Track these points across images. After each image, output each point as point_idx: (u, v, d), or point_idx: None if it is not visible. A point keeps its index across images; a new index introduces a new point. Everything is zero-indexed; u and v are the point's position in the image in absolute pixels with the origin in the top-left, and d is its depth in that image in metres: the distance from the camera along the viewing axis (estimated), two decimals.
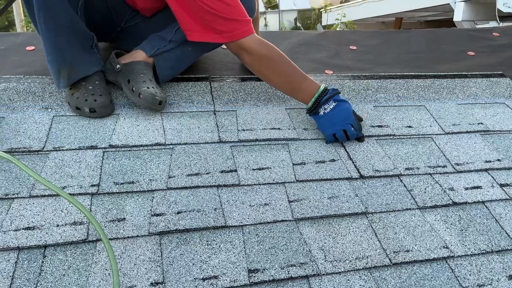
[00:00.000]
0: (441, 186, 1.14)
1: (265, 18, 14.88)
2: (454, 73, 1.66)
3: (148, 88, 1.25)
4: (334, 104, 1.25)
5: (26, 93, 1.31)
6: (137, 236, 0.93)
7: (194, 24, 1.25)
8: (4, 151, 1.06)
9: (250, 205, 1.03)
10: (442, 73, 1.64)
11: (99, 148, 1.16)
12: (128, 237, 0.93)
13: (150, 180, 1.07)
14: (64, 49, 1.24)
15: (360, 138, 1.29)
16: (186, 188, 1.06)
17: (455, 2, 4.18)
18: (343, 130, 1.24)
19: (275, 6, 16.72)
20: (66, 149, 1.14)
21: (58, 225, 0.93)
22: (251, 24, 1.27)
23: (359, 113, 1.41)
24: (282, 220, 1.00)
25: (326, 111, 1.25)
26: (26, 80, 1.35)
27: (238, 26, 1.24)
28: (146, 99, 1.24)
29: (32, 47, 1.58)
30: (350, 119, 1.25)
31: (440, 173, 1.19)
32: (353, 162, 1.20)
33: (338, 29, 7.23)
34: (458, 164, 1.22)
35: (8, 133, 1.17)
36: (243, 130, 1.28)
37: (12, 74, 1.39)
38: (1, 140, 1.15)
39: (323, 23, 8.74)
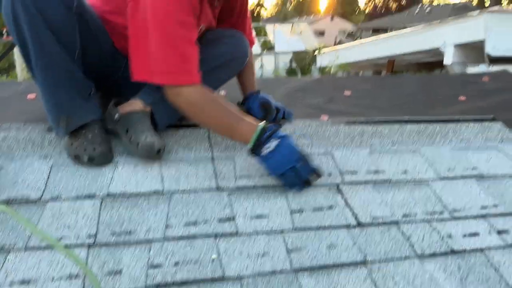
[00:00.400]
0: (439, 233, 1.14)
1: (261, 60, 15.25)
2: (447, 117, 1.69)
3: (146, 138, 1.27)
4: (276, 141, 1.19)
5: (25, 141, 1.32)
6: None
7: (141, 65, 1.26)
8: (1, 201, 1.06)
9: (248, 255, 1.02)
10: (435, 118, 1.67)
11: (97, 197, 1.16)
12: None
13: (148, 230, 1.07)
14: (62, 98, 1.27)
15: (317, 173, 1.22)
16: (183, 238, 1.06)
17: (445, 46, 4.33)
18: (292, 168, 1.19)
19: (270, 48, 17.18)
20: (64, 199, 1.14)
21: (53, 279, 0.92)
22: (193, 74, 1.25)
23: (355, 158, 1.43)
24: (281, 271, 0.99)
25: (269, 150, 1.19)
26: (26, 129, 1.36)
27: (179, 72, 1.23)
28: (145, 149, 1.25)
29: (33, 95, 1.62)
30: (296, 155, 1.20)
31: (438, 220, 1.19)
32: (350, 209, 1.20)
33: (332, 70, 7.42)
34: (455, 210, 1.22)
35: (6, 183, 1.18)
36: (241, 177, 1.29)
37: (12, 122, 1.41)
38: None
39: (318, 65, 8.97)
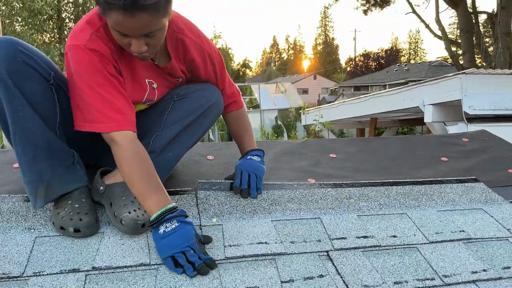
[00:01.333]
0: None
1: None
2: (431, 179, 1.73)
3: (129, 213, 1.25)
4: (176, 224, 1.17)
5: (9, 213, 1.30)
6: None
7: (76, 116, 1.27)
8: None
9: None
10: (419, 179, 1.70)
11: (82, 271, 1.12)
12: None
13: None
14: (42, 169, 1.27)
15: (208, 264, 1.15)
16: None
17: (424, 105, 4.50)
18: (182, 252, 1.15)
19: (256, 106, 17.61)
20: (47, 274, 1.10)
21: None
22: (127, 121, 1.25)
23: (343, 223, 1.43)
24: None
25: (166, 230, 1.16)
26: (10, 199, 1.35)
27: (114, 119, 1.23)
28: (128, 225, 1.24)
29: None
30: (190, 242, 1.16)
31: (429, 286, 1.17)
32: (341, 277, 1.18)
33: (317, 128, 7.58)
34: (445, 276, 1.22)
35: None
36: (230, 246, 1.27)
37: None
38: None
39: (303, 123, 9.18)
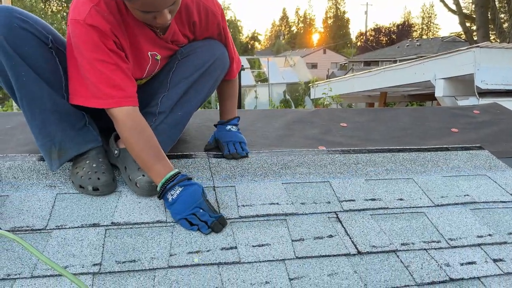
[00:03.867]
0: (437, 262, 1.16)
1: (255, 91, 15.50)
2: (437, 146, 1.75)
3: (143, 175, 1.29)
4: (180, 189, 1.21)
5: (30, 171, 1.35)
6: None
7: (75, 91, 1.30)
8: (7, 230, 1.08)
9: (251, 284, 1.04)
10: (425, 147, 1.73)
11: (101, 226, 1.18)
12: None
13: (152, 258, 1.08)
14: (52, 132, 1.30)
15: (221, 221, 1.20)
16: (187, 266, 1.07)
17: (435, 80, 4.46)
18: (193, 214, 1.19)
19: (264, 80, 17.50)
20: (69, 228, 1.16)
21: None
22: (126, 97, 1.27)
23: (352, 186, 1.47)
24: None
25: (173, 197, 1.21)
26: (31, 158, 1.39)
27: (111, 95, 1.25)
28: (143, 188, 1.29)
29: None
30: (197, 202, 1.21)
31: (435, 248, 1.21)
32: (350, 238, 1.23)
33: (326, 102, 7.56)
34: (451, 239, 1.25)
35: (12, 212, 1.19)
36: (243, 206, 1.32)
37: (17, 153, 1.44)
38: (4, 219, 1.16)
39: (311, 97, 9.14)
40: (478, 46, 4.20)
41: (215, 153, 1.56)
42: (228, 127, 1.62)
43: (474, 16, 13.09)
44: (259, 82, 17.38)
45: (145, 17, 1.21)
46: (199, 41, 1.51)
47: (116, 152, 1.38)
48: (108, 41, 1.22)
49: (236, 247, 1.15)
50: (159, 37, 1.39)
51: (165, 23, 1.23)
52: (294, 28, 78.52)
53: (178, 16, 1.38)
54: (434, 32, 59.66)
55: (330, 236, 1.23)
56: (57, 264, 0.90)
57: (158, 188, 1.24)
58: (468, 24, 14.33)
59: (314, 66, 39.82)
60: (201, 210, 1.20)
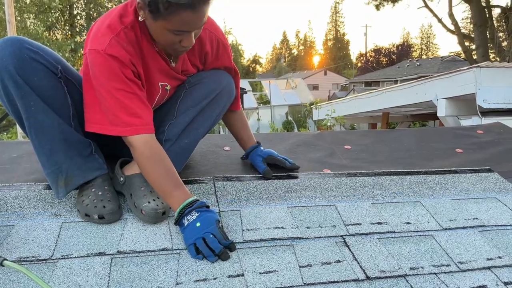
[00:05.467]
0: (447, 286, 1.14)
1: (257, 113, 15.59)
2: (445, 169, 1.74)
3: (149, 202, 1.30)
4: (196, 214, 1.22)
5: (36, 200, 1.35)
6: None
7: (92, 118, 1.31)
8: (13, 261, 1.07)
9: None
10: (433, 169, 1.72)
11: (107, 254, 1.17)
12: None
13: (158, 287, 1.07)
14: (60, 160, 1.31)
15: (229, 247, 1.21)
16: None
17: (437, 100, 4.48)
18: (203, 238, 1.18)
19: (267, 102, 17.63)
20: (74, 257, 1.15)
21: None
22: (138, 125, 1.28)
23: (358, 210, 1.46)
24: None
25: (189, 222, 1.22)
26: (37, 187, 1.40)
27: (129, 123, 1.26)
28: (149, 215, 1.29)
29: None
30: (210, 228, 1.20)
31: (445, 272, 1.20)
32: (358, 263, 1.21)
33: (329, 123, 7.58)
34: (461, 263, 1.24)
35: (18, 242, 1.19)
36: (248, 230, 1.31)
37: (23, 181, 1.44)
38: (10, 249, 1.16)
39: (314, 118, 9.17)
40: (478, 66, 4.23)
41: (221, 176, 1.56)
42: (185, 222, 1.43)
43: (473, 35, 13.24)
44: (261, 104, 17.51)
45: (172, 40, 1.23)
46: (206, 71, 1.55)
47: (122, 179, 1.38)
48: (127, 70, 1.25)
49: (243, 275, 1.13)
50: (170, 67, 1.42)
51: (190, 45, 1.27)
52: (294, 51, 79.52)
53: (190, 50, 1.41)
54: (434, 52, 60.30)
55: (338, 261, 1.22)
56: None
57: (176, 214, 1.24)
58: (467, 44, 14.48)
59: (315, 87, 40.14)
60: (211, 236, 1.20)
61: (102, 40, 1.23)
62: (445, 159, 1.88)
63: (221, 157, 1.82)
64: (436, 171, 1.72)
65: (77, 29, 20.08)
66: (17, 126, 9.68)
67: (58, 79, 1.28)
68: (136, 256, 1.18)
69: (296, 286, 1.11)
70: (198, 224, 1.21)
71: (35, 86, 1.23)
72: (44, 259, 1.14)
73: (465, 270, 1.21)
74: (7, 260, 0.96)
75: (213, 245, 1.18)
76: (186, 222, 1.22)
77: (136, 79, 1.29)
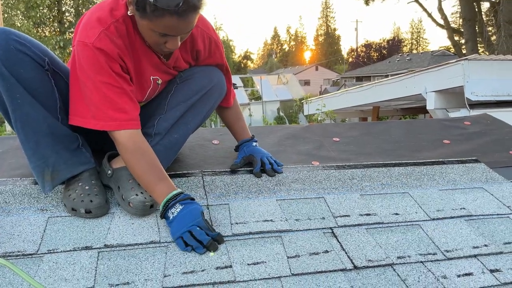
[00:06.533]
0: (433, 274, 1.15)
1: (249, 109, 15.58)
2: (432, 160, 1.76)
3: (137, 195, 1.29)
4: (180, 207, 1.21)
5: (22, 195, 1.34)
6: None
7: (77, 111, 1.29)
8: None
9: None
10: (421, 161, 1.73)
11: (94, 248, 1.16)
12: None
13: (146, 280, 1.07)
14: (46, 154, 1.30)
15: (217, 239, 1.20)
16: (181, 287, 1.06)
17: (426, 93, 4.51)
18: (189, 231, 1.18)
19: (258, 98, 17.61)
20: (61, 251, 1.14)
21: None
22: (129, 120, 1.27)
23: (346, 202, 1.46)
24: None
25: (174, 215, 1.21)
26: (22, 182, 1.38)
27: (114, 118, 1.25)
28: (137, 207, 1.28)
29: None
30: (196, 220, 1.20)
31: (432, 261, 1.21)
32: (346, 253, 1.22)
33: (319, 118, 7.60)
34: (447, 251, 1.25)
35: (3, 237, 1.18)
36: (236, 223, 1.31)
37: (9, 177, 1.42)
38: None
39: (305, 113, 9.19)
40: (466, 59, 4.26)
41: (209, 170, 1.55)
42: (254, 143, 1.65)
43: (462, 30, 13.35)
44: (252, 100, 17.48)
45: (157, 40, 1.23)
46: (198, 67, 1.54)
47: (109, 172, 1.37)
48: (115, 64, 1.24)
49: (231, 266, 1.13)
50: (162, 61, 1.41)
51: (174, 48, 1.26)
52: (286, 46, 79.45)
53: (182, 44, 1.40)
54: (424, 47, 60.61)
55: (326, 251, 1.22)
56: None
57: (161, 207, 1.23)
58: (456, 38, 14.59)
59: (306, 83, 40.20)
60: (197, 228, 1.19)
61: (91, 33, 1.21)
62: (433, 150, 1.90)
63: (209, 150, 1.81)
64: (424, 162, 1.73)
65: (66, 26, 19.85)
66: (6, 124, 9.57)
67: (45, 72, 1.27)
68: (124, 249, 1.17)
69: (284, 276, 1.11)
70: (183, 217, 1.20)
71: (21, 78, 1.21)
72: (30, 254, 1.13)
73: (451, 258, 1.22)
74: None
75: (201, 237, 1.18)
76: (171, 216, 1.22)
77: (124, 73, 1.28)
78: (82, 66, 1.22)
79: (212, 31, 1.50)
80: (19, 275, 0.93)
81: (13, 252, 1.13)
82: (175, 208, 1.22)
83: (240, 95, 15.41)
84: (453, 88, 4.26)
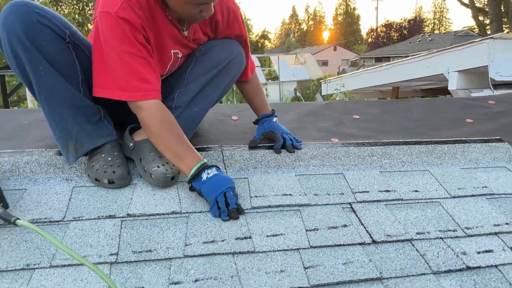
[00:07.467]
0: (453, 251, 1.15)
1: (266, 89, 15.49)
2: (454, 138, 1.73)
3: (158, 167, 1.31)
4: (215, 172, 1.25)
5: (47, 165, 1.37)
6: None
7: (101, 83, 1.30)
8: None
9: (266, 272, 1.04)
10: (443, 139, 1.71)
11: (117, 217, 1.19)
12: None
13: (167, 248, 1.09)
14: (69, 126, 1.32)
15: (238, 210, 1.24)
16: (202, 255, 1.08)
17: (448, 73, 4.40)
18: (224, 193, 1.22)
19: (275, 78, 17.46)
20: (86, 219, 1.18)
21: None
22: (148, 91, 1.27)
23: (366, 178, 1.46)
24: (299, 287, 1.01)
25: (208, 176, 1.24)
26: (47, 153, 1.41)
27: (139, 89, 1.26)
28: (158, 179, 1.30)
29: None
30: (231, 185, 1.25)
31: (451, 237, 1.20)
32: (364, 227, 1.22)
33: (337, 98, 7.52)
34: (468, 228, 1.24)
35: (30, 205, 1.22)
36: (256, 196, 1.32)
37: (34, 148, 1.46)
38: (23, 211, 1.19)
39: (323, 93, 9.09)
40: (492, 37, 4.13)
41: (229, 145, 1.56)
42: (274, 119, 1.64)
43: (487, 9, 12.89)
44: (269, 80, 17.36)
45: (191, 11, 1.24)
46: (217, 40, 1.54)
47: (131, 144, 1.39)
48: (138, 34, 1.24)
49: (250, 237, 1.15)
50: (182, 35, 1.41)
51: (210, 15, 1.28)
52: (304, 26, 78.21)
53: None
54: (446, 27, 58.91)
55: (344, 225, 1.23)
56: (76, 253, 0.91)
57: (193, 171, 1.24)
58: (481, 18, 14.13)
59: (324, 63, 39.65)
60: (231, 193, 1.24)
61: (114, 3, 1.21)
62: (455, 129, 1.87)
63: (229, 126, 1.82)
64: (446, 140, 1.70)
65: (84, 2, 19.85)
66: (27, 101, 9.74)
67: (66, 44, 1.28)
68: (146, 219, 1.20)
69: (303, 248, 1.13)
70: (221, 178, 1.24)
71: (43, 50, 1.23)
72: (56, 221, 1.17)
73: (471, 235, 1.21)
74: (20, 219, 0.98)
75: (231, 201, 1.21)
76: (205, 176, 1.24)
77: (147, 44, 1.28)
78: (106, 36, 1.23)
79: (231, 2, 1.49)
80: (47, 239, 0.97)
81: (40, 219, 1.17)
82: (211, 170, 1.25)
83: (257, 75, 15.30)
84: (477, 68, 4.14)
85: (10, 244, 1.07)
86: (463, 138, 1.73)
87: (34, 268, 1.01)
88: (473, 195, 1.41)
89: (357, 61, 36.01)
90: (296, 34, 75.25)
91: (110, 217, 1.19)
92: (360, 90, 7.55)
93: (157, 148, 1.32)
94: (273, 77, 18.28)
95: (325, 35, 74.15)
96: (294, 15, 79.45)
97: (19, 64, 1.24)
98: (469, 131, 1.86)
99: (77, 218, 1.18)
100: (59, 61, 1.26)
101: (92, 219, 1.18)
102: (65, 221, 1.17)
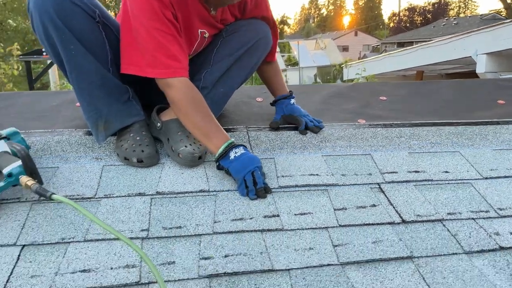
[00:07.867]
0: (485, 231, 1.13)
1: (285, 75, 15.40)
2: (486, 120, 1.68)
3: (186, 147, 1.32)
4: (243, 151, 1.25)
5: (77, 144, 1.40)
6: (187, 278, 0.95)
7: (130, 60, 1.31)
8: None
9: (295, 249, 1.04)
10: (473, 120, 1.66)
11: (147, 195, 1.21)
12: (179, 279, 0.95)
13: (197, 225, 1.11)
14: (99, 105, 1.34)
15: (265, 189, 1.23)
16: (231, 232, 1.09)
17: (476, 55, 4.27)
18: (252, 172, 1.22)
19: (295, 64, 17.32)
20: (116, 196, 1.20)
21: (112, 268, 0.96)
22: (177, 68, 1.28)
23: (394, 159, 1.44)
24: (328, 264, 1.01)
25: (236, 155, 1.24)
26: (77, 133, 1.44)
27: (168, 66, 1.26)
28: (186, 158, 1.31)
29: None
30: (259, 164, 1.25)
31: (484, 218, 1.18)
32: (394, 207, 1.21)
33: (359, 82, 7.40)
34: (501, 209, 1.21)
35: (62, 182, 1.24)
36: (282, 176, 1.32)
37: (64, 128, 1.49)
38: (56, 188, 1.22)
39: (344, 78, 8.97)
40: None
41: (254, 126, 1.56)
42: (292, 101, 1.62)
43: None
44: (289, 66, 17.24)
45: None
46: (244, 20, 1.53)
47: (159, 125, 1.40)
48: (167, 11, 1.24)
49: (278, 215, 1.15)
50: (210, 15, 1.41)
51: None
52: (324, 11, 76.99)
53: None
54: (472, 10, 57.04)
55: (373, 205, 1.22)
56: (111, 227, 0.93)
57: (221, 150, 1.25)
58: (508, 0, 13.59)
59: (345, 49, 39.05)
60: (259, 172, 1.24)
61: None
62: (486, 110, 1.81)
63: (254, 107, 1.82)
64: (476, 122, 1.66)
65: None
66: (51, 87, 9.92)
67: (96, 23, 1.29)
68: (175, 196, 1.21)
69: (331, 227, 1.12)
70: (249, 157, 1.24)
71: (74, 29, 1.24)
72: (88, 198, 1.19)
73: (504, 216, 1.19)
74: (55, 194, 1.00)
75: (259, 180, 1.21)
76: (233, 155, 1.24)
77: (175, 21, 1.28)
78: (135, 13, 1.23)
79: None
80: (81, 213, 0.99)
81: (73, 196, 1.19)
82: (238, 149, 1.25)
83: (277, 61, 15.21)
84: (507, 50, 4.01)
85: (45, 219, 1.10)
86: (495, 120, 1.68)
87: (69, 242, 1.03)
88: (506, 176, 1.37)
89: (378, 46, 35.32)
90: (315, 20, 74.19)
91: (140, 194, 1.21)
92: (382, 74, 7.42)
93: (185, 126, 1.33)
94: (292, 62, 18.14)
95: (346, 20, 72.93)
96: (313, 0, 78.23)
97: (50, 44, 1.26)
98: (501, 112, 1.81)
99: (108, 195, 1.20)
100: (89, 40, 1.27)
101: (123, 196, 1.20)
102: (96, 198, 1.19)
